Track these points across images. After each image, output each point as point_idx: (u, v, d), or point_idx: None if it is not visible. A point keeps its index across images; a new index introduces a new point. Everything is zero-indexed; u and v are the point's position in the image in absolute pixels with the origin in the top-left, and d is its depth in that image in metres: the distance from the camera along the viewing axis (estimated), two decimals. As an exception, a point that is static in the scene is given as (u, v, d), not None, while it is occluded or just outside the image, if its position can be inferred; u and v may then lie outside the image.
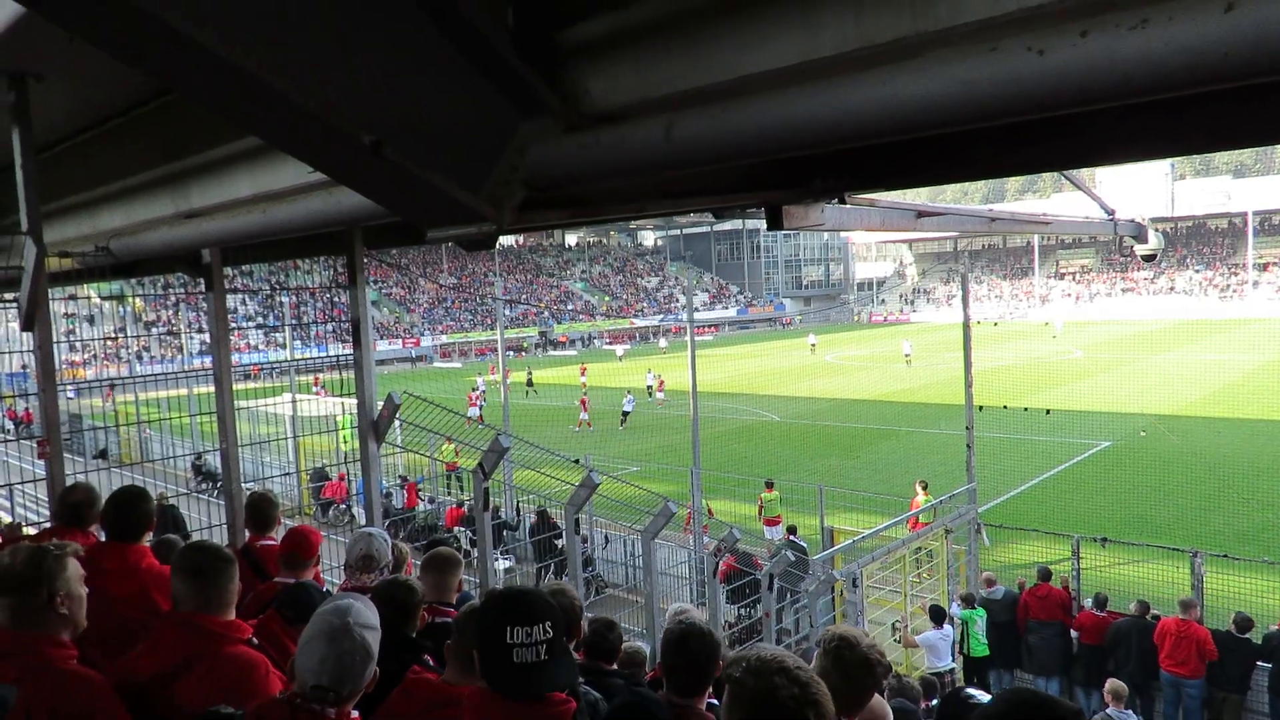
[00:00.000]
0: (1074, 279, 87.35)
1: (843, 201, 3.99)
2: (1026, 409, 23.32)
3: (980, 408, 15.16)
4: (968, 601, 11.88)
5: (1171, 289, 79.22)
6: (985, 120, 1.82)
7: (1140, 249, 8.90)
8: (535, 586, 3.09)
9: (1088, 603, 11.66)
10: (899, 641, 11.69)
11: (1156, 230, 9.13)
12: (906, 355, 48.62)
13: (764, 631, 11.04)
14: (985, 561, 14.52)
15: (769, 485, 18.17)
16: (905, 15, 2.01)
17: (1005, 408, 22.47)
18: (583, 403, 33.62)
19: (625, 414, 33.97)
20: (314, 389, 21.11)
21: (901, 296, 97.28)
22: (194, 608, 2.75)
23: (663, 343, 68.79)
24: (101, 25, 2.24)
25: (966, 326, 14.85)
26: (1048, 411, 24.65)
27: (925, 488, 16.32)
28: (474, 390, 34.90)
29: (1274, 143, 2.80)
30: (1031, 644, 11.72)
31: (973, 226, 6.65)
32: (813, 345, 59.11)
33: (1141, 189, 71.73)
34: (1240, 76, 1.51)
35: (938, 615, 11.08)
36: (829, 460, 25.09)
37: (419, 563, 5.35)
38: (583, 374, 41.92)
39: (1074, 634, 11.52)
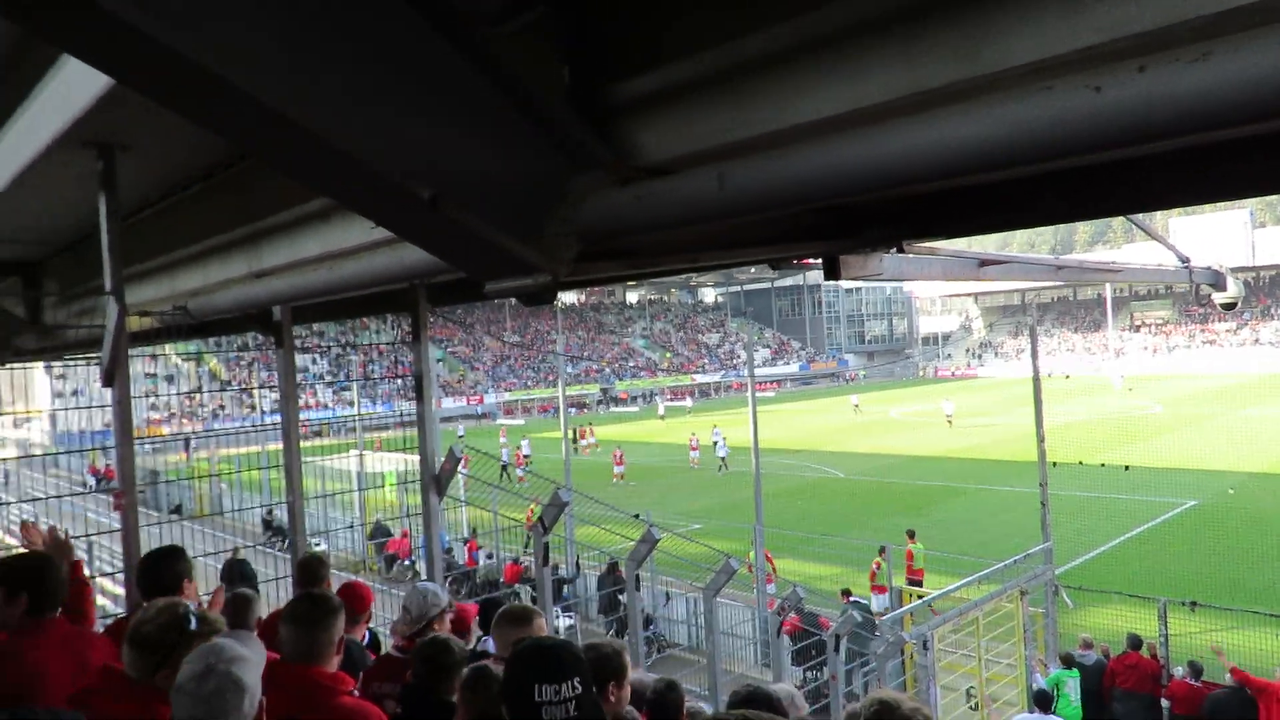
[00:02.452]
0: (1150, 331, 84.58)
1: (901, 250, 3.95)
2: (1104, 465, 22.46)
3: (1054, 464, 14.64)
4: (1067, 662, 11.28)
5: (1256, 340, 76.00)
6: (1039, 161, 1.79)
7: (1219, 297, 8.58)
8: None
9: (1179, 671, 10.99)
10: (974, 709, 11.16)
11: (1236, 278, 8.81)
12: (948, 416, 45.96)
13: (831, 695, 10.67)
14: (1066, 625, 13.85)
15: (911, 535, 18.01)
16: (955, 61, 2.00)
17: (1081, 464, 21.67)
18: (617, 457, 34.21)
19: (722, 459, 34.51)
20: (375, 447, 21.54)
21: (968, 350, 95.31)
22: (297, 656, 2.76)
23: (688, 402, 67.95)
24: (188, 97, 2.37)
25: (1037, 380, 14.43)
26: (1126, 468, 23.68)
27: (913, 536, 17.64)
28: (518, 449, 35.59)
29: (1354, 180, 2.69)
30: (1118, 715, 11.07)
31: (1038, 275, 6.50)
32: (856, 406, 56.39)
33: (1219, 237, 69.45)
34: (1313, 108, 1.45)
35: (1043, 700, 10.49)
36: (896, 518, 24.43)
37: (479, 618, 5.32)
38: (587, 435, 42.38)
39: (1165, 704, 10.85)
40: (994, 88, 1.85)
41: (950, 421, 45.24)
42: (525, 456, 34.69)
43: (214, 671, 2.17)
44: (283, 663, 2.84)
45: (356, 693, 2.88)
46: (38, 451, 34.21)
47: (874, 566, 16.82)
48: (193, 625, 2.49)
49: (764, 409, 28.99)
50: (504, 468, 30.31)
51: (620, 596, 13.56)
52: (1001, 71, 1.84)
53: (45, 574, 3.01)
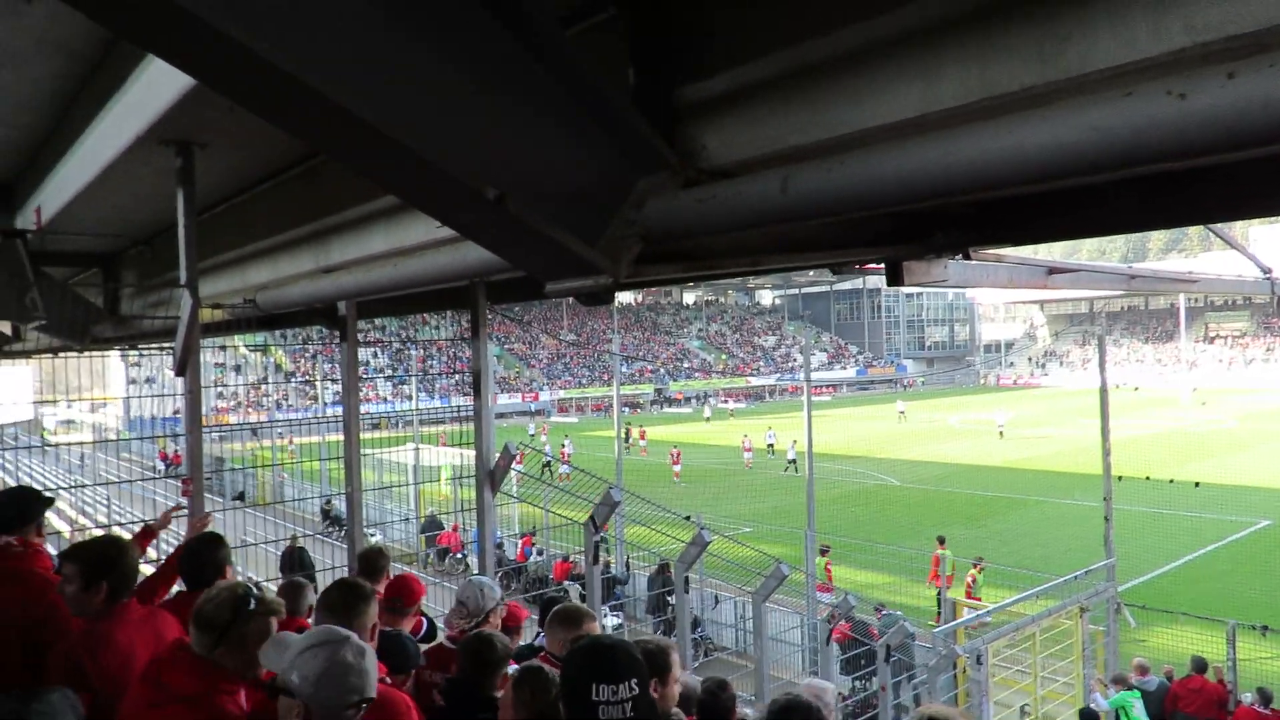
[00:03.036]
0: (1226, 343, 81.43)
1: (967, 257, 3.88)
2: (1172, 481, 21.73)
3: (1120, 478, 14.19)
4: (1120, 683, 10.92)
5: (1340, 355, 72.65)
6: (1118, 169, 1.73)
7: (1301, 310, 8.25)
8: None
9: (1247, 697, 10.56)
10: (1029, 727, 10.89)
11: (1320, 290, 8.43)
12: (1000, 427, 44.36)
13: (880, 706, 10.51)
14: (1127, 645, 13.41)
15: (941, 541, 17.64)
16: (1033, 64, 1.95)
17: (1148, 479, 20.99)
18: (674, 456, 34.42)
19: (791, 461, 34.61)
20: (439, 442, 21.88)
21: (1031, 359, 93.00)
22: None
23: (730, 405, 67.88)
24: (264, 96, 2.44)
25: (1104, 392, 14.01)
26: (1196, 484, 22.81)
27: (943, 542, 17.12)
28: (562, 447, 35.90)
29: None
30: (1181, 741, 10.69)
31: (1109, 285, 6.31)
32: (901, 413, 55.08)
33: (1303, 248, 66.52)
34: None
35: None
36: (952, 529, 23.92)
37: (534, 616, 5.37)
38: (642, 438, 42.23)
39: (1231, 732, 10.44)
40: (1074, 92, 1.80)
41: (1002, 433, 44.05)
42: (568, 455, 35.03)
43: (349, 642, 2.28)
44: None
45: (389, 680, 2.93)
46: (112, 436, 35.54)
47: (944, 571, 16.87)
48: (251, 605, 2.58)
49: (819, 413, 28.66)
50: (546, 465, 30.68)
51: (669, 598, 13.55)
52: (1083, 75, 1.79)
53: (120, 560, 3.08)
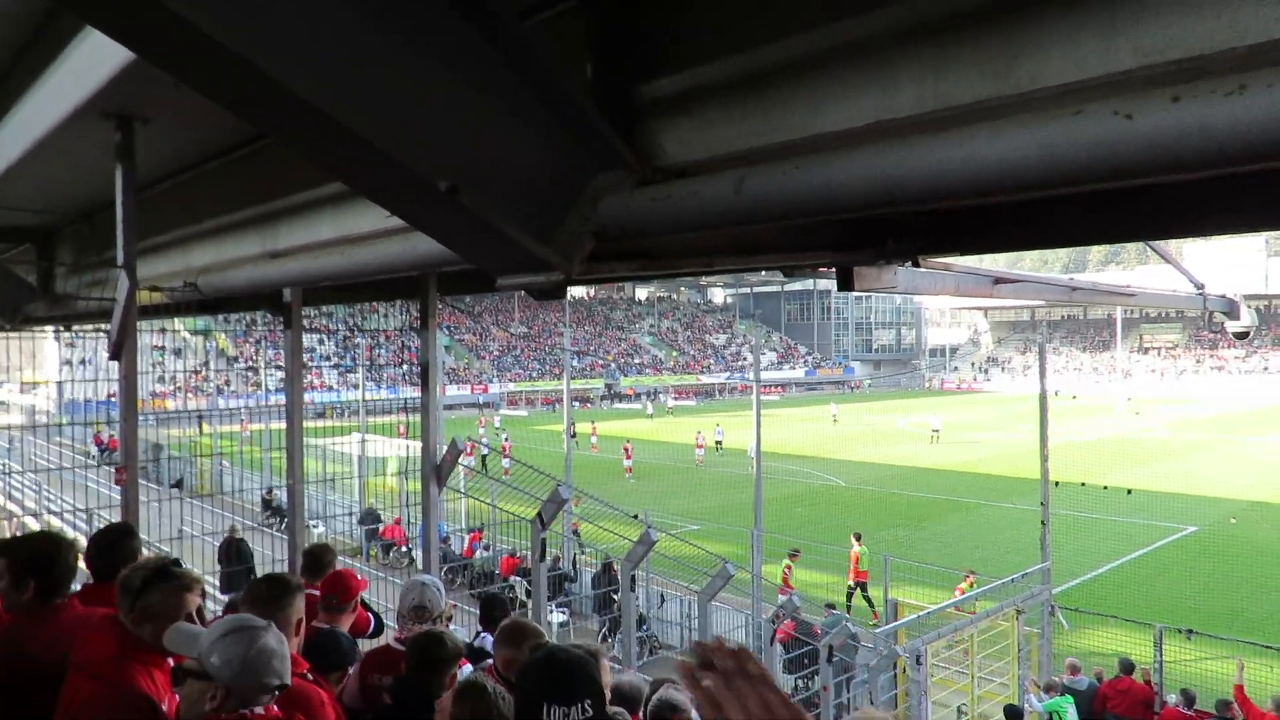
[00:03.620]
0: (1159, 354, 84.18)
1: (916, 265, 3.92)
2: (1106, 487, 22.38)
3: (1057, 483, 14.58)
4: (1051, 689, 11.21)
5: (1265, 369, 75.51)
6: (1066, 185, 1.76)
7: (1232, 325, 8.54)
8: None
9: (1172, 698, 10.93)
10: (964, 726, 11.12)
11: (1249, 306, 8.75)
12: (935, 431, 44.75)
13: (822, 706, 10.64)
14: (1060, 647, 13.78)
15: (858, 537, 18.08)
16: (987, 78, 1.97)
17: (1083, 485, 21.58)
18: (626, 452, 34.58)
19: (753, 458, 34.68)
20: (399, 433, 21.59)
21: (974, 364, 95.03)
22: None
23: (671, 402, 68.81)
24: (206, 74, 2.36)
25: (1043, 398, 14.38)
26: (1129, 491, 23.55)
27: (859, 539, 17.82)
28: (503, 440, 35.95)
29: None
30: (1108, 740, 11.03)
31: (1052, 295, 6.46)
32: (834, 417, 55.51)
33: (1233, 264, 69.10)
34: (1348, 145, 1.43)
35: (1014, 716, 10.43)
36: (895, 530, 24.35)
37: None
38: (593, 434, 42.48)
39: (1155, 732, 10.80)
40: (1024, 108, 1.83)
41: (936, 436, 44.54)
42: (508, 449, 34.91)
43: (270, 629, 2.32)
44: None
45: (309, 676, 2.92)
46: (44, 419, 34.33)
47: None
48: (167, 577, 2.65)
49: (768, 413, 28.92)
50: (483, 459, 30.53)
51: (615, 595, 13.55)
52: (1034, 91, 1.81)
53: (54, 559, 2.96)
